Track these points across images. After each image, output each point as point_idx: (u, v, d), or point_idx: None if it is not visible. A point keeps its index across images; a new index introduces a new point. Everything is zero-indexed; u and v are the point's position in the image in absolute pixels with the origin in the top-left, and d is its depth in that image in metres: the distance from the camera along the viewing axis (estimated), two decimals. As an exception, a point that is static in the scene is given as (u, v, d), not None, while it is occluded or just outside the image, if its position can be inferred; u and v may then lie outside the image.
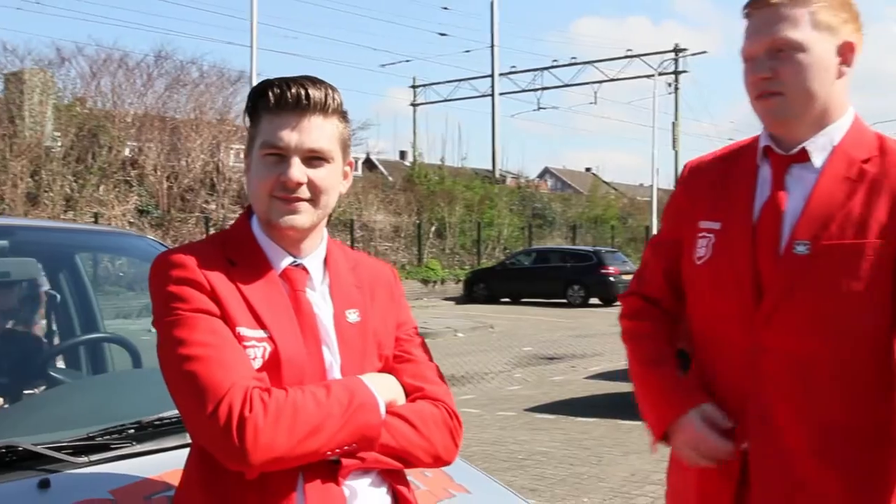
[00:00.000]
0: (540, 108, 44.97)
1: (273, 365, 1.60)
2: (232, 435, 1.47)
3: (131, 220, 23.07)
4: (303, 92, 1.62)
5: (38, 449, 1.98)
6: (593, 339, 15.67)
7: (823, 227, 1.72)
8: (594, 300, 23.85)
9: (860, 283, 1.69)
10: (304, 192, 1.64)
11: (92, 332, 3.52)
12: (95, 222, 21.16)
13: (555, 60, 43.75)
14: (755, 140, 1.90)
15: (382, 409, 1.62)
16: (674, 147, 38.30)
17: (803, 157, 1.80)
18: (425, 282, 27.26)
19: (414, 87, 47.53)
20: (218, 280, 1.62)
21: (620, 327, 2.05)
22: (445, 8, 61.37)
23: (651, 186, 33.80)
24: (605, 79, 42.60)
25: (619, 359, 10.72)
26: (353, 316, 1.73)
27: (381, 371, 1.74)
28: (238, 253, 1.69)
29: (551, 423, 8.55)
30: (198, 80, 27.07)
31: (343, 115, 1.71)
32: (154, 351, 1.69)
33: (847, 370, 1.72)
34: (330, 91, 1.66)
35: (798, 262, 1.72)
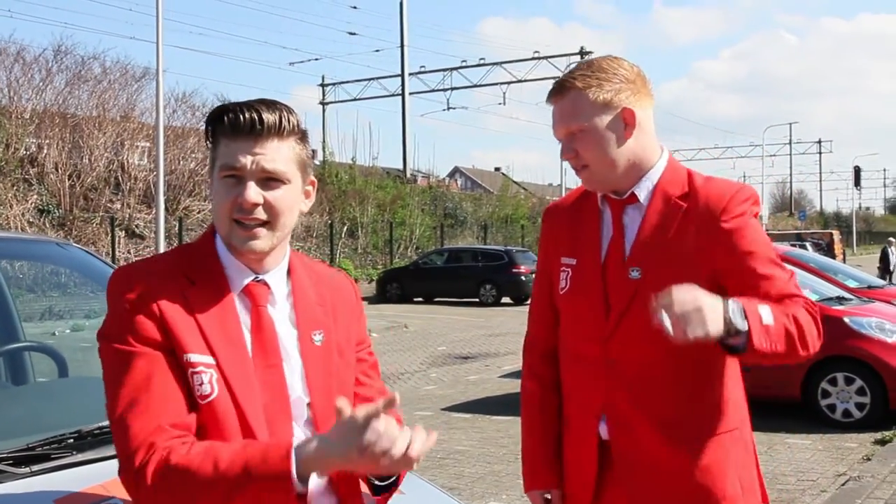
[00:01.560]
0: (449, 108, 45.21)
1: (223, 390, 1.63)
2: (131, 487, 1.62)
3: (31, 220, 22.26)
4: (256, 116, 1.66)
5: (-24, 461, 1.97)
6: (506, 338, 15.91)
7: (650, 253, 2.06)
8: (506, 299, 24.18)
9: None
10: (260, 214, 1.67)
11: (12, 340, 3.46)
12: (-7, 222, 20.35)
13: (464, 61, 44.08)
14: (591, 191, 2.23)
15: (296, 482, 1.49)
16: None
17: (633, 199, 2.12)
18: (338, 282, 27.13)
19: (323, 85, 47.19)
20: (170, 306, 1.64)
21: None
22: (355, 7, 60.86)
23: (560, 185, 34.44)
24: (514, 80, 43.19)
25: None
26: (317, 337, 1.77)
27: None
28: (198, 271, 1.71)
29: (468, 422, 8.69)
30: (100, 77, 26.29)
31: (301, 136, 1.74)
32: (79, 360, 1.73)
33: (679, 372, 2.05)
34: (285, 114, 1.69)
35: (632, 284, 2.05)
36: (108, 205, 24.27)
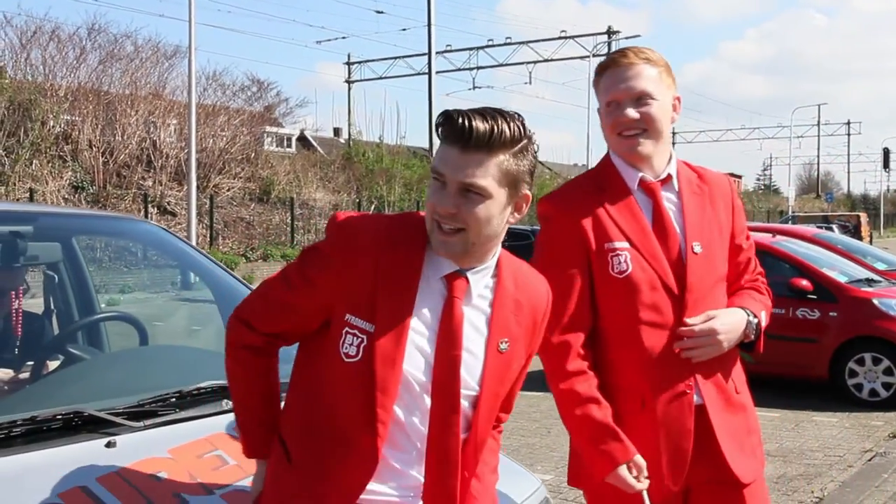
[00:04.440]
0: (475, 88, 45.28)
1: (367, 358, 1.76)
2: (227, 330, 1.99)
3: (66, 197, 22.68)
4: (468, 126, 1.67)
5: (102, 414, 2.22)
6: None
7: (703, 230, 2.31)
8: (531, 278, 24.22)
9: (725, 265, 2.37)
10: (455, 222, 1.72)
11: (90, 311, 3.72)
12: (31, 199, 20.76)
13: (490, 40, 44.10)
14: (608, 172, 2.36)
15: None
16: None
17: (668, 180, 2.34)
18: (365, 260, 27.38)
19: (349, 63, 47.26)
20: (359, 264, 1.78)
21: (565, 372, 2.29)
22: (382, -15, 60.75)
23: (585, 166, 34.47)
24: (540, 59, 43.07)
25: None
26: (504, 345, 1.86)
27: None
28: (403, 241, 1.80)
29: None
30: (132, 55, 26.64)
31: (515, 150, 1.73)
32: (157, 329, 1.97)
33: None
34: (500, 125, 1.69)
35: (699, 258, 2.30)
36: (141, 182, 24.65)
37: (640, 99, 2.25)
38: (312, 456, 1.85)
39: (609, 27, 42.00)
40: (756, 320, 2.33)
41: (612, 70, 2.30)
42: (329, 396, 1.84)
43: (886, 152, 58.33)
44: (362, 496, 1.81)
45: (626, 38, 41.57)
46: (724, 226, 2.37)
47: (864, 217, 39.64)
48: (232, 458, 2.21)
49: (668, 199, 2.33)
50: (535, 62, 43.13)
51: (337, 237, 1.83)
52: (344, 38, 63.17)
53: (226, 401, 2.44)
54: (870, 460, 6.25)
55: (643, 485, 2.20)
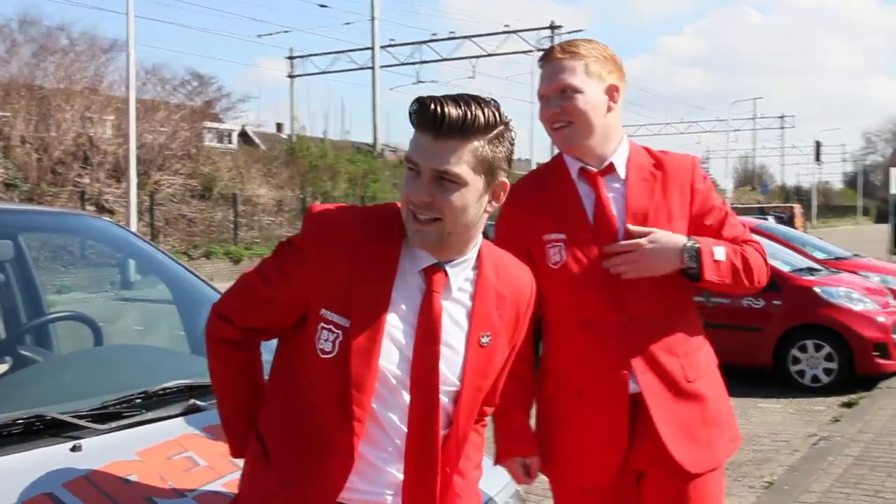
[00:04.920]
0: (419, 82, 45.19)
1: (343, 354, 1.73)
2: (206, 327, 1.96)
3: (-2, 195, 22.04)
4: (440, 112, 1.65)
5: (65, 417, 2.16)
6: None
7: (644, 219, 2.29)
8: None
9: None
10: (430, 211, 1.69)
11: (38, 312, 3.61)
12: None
13: (434, 34, 44.00)
14: (556, 164, 2.40)
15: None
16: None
17: (611, 169, 2.35)
18: (310, 256, 27.18)
19: (291, 58, 46.81)
20: (333, 257, 1.75)
21: None
22: (323, -21, 60.14)
23: (529, 160, 34.68)
24: (484, 54, 43.19)
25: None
26: (485, 339, 1.84)
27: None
28: (377, 233, 1.78)
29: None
30: (67, 48, 25.97)
31: (489, 137, 1.70)
32: (112, 328, 1.93)
33: (679, 320, 2.36)
34: (473, 111, 1.66)
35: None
36: (77, 179, 24.05)
37: (564, 92, 2.29)
38: (290, 454, 1.82)
39: (552, 22, 42.31)
40: (695, 245, 2.26)
41: (543, 66, 2.37)
42: (305, 393, 1.81)
43: (818, 145, 59.89)
44: (342, 494, 1.79)
45: (569, 32, 41.86)
46: (676, 212, 2.34)
47: (798, 208, 40.62)
48: (203, 460, 2.17)
49: (611, 189, 2.34)
50: (478, 57, 43.28)
51: (312, 230, 1.81)
52: (286, 32, 62.71)
53: (193, 400, 2.40)
54: (815, 444, 6.41)
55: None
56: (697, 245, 2.27)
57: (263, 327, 1.90)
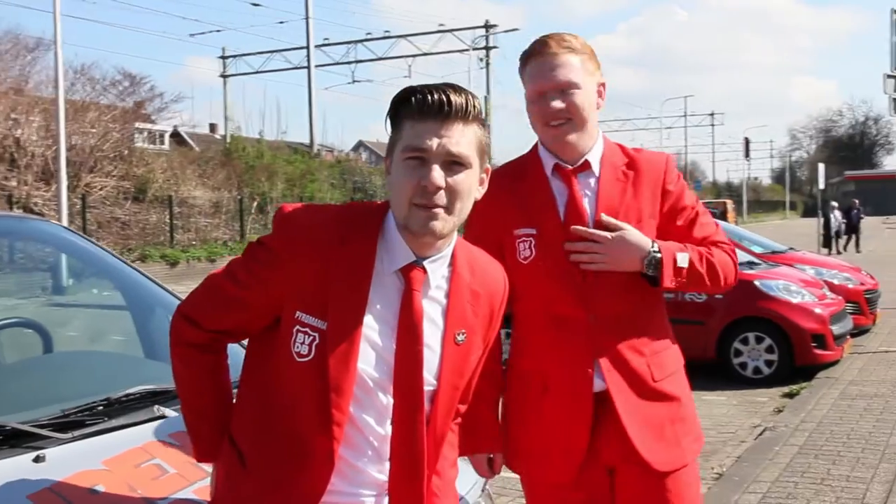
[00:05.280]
0: (354, 81, 45.07)
1: (320, 357, 1.69)
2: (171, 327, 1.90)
3: (-80, 199, 21.24)
4: (445, 98, 1.67)
5: (26, 427, 2.07)
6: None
7: (614, 216, 2.28)
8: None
9: None
10: (441, 198, 1.68)
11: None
12: None
13: (368, 33, 43.90)
14: (530, 159, 2.38)
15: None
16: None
17: (586, 166, 2.33)
18: (248, 258, 26.85)
19: (223, 57, 46.18)
20: (310, 259, 1.71)
21: None
22: (256, -23, 59.40)
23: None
24: (419, 53, 43.22)
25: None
26: (460, 337, 1.82)
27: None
28: (355, 234, 1.74)
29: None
30: (-10, 48, 25.14)
31: (482, 122, 1.74)
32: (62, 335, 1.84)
33: (646, 319, 2.36)
34: (470, 98, 1.70)
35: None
36: (3, 182, 23.32)
37: (565, 89, 2.26)
38: (268, 460, 1.77)
39: (487, 21, 42.59)
40: (657, 253, 2.26)
41: (536, 60, 2.30)
42: (282, 397, 1.77)
43: (747, 142, 61.21)
44: (324, 498, 1.75)
45: (505, 31, 42.31)
46: (646, 212, 2.34)
47: (730, 203, 41.62)
48: (171, 467, 2.11)
49: (585, 186, 2.33)
50: (414, 56, 43.30)
51: (284, 231, 1.76)
52: (219, 31, 61.57)
53: (157, 406, 2.33)
54: (760, 435, 6.55)
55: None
56: (660, 256, 2.26)
57: (232, 330, 1.85)
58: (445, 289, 1.82)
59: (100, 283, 3.72)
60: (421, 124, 1.68)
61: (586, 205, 2.31)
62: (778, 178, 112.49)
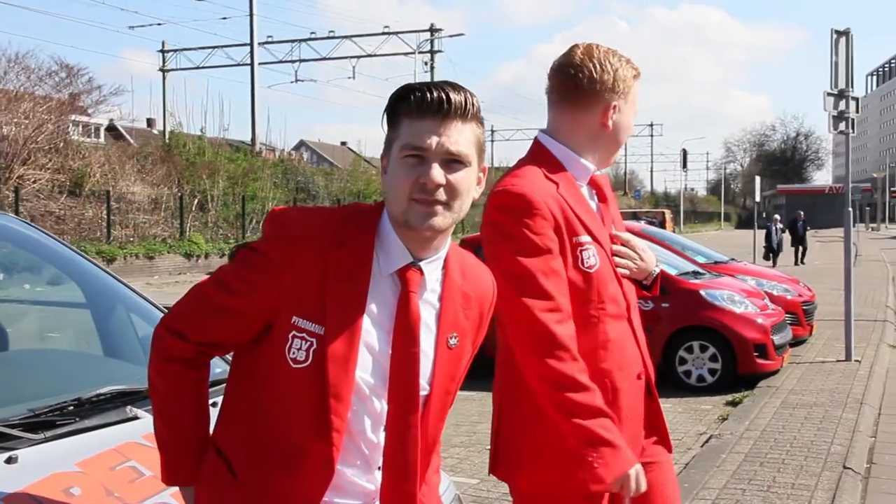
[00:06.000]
0: (298, 81, 44.71)
1: (318, 363, 1.66)
2: (153, 339, 1.82)
3: None
4: (444, 96, 1.65)
5: (-2, 427, 1.98)
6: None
7: (618, 222, 2.41)
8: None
9: None
10: (441, 195, 1.66)
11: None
12: None
13: (312, 33, 43.63)
14: (557, 168, 2.30)
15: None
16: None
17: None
18: (188, 256, 26.39)
19: (163, 51, 45.35)
20: (306, 264, 1.67)
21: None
22: (199, -29, 58.53)
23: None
24: (364, 54, 43.09)
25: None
26: (453, 341, 1.80)
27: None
28: (353, 235, 1.72)
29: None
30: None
31: (480, 120, 1.73)
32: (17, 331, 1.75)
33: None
34: (469, 96, 1.69)
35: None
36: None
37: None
38: (261, 470, 1.73)
39: (432, 25, 42.75)
40: (658, 270, 2.47)
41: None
42: (276, 406, 1.71)
43: (685, 153, 62.40)
44: None
45: (450, 36, 42.44)
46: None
47: (668, 213, 42.34)
48: (147, 469, 2.05)
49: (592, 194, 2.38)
50: (358, 57, 43.15)
51: (278, 235, 1.71)
52: (160, 24, 60.48)
53: (129, 407, 2.26)
54: (706, 442, 6.65)
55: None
56: (659, 269, 2.46)
57: (221, 341, 1.78)
58: (439, 292, 1.79)
59: (32, 278, 3.59)
60: (420, 122, 1.66)
61: (602, 214, 2.38)
62: (713, 189, 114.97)
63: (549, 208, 2.19)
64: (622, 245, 2.36)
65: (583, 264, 2.25)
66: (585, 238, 2.26)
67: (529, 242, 2.15)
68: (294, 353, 1.67)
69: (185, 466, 1.81)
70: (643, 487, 2.16)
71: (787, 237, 28.69)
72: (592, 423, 2.11)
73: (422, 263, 1.74)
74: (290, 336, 1.67)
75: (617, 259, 2.34)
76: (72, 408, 2.19)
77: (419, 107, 1.65)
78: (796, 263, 27.03)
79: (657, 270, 2.45)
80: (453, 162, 1.67)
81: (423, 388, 1.77)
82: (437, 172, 1.65)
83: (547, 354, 2.11)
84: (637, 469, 2.14)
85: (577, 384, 2.11)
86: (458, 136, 1.67)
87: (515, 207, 2.17)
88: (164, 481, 1.83)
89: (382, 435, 1.75)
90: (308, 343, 1.67)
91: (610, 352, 2.29)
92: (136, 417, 2.23)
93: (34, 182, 24.35)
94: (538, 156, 2.33)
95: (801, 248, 28.41)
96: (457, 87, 1.68)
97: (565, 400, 2.11)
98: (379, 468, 1.77)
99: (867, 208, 71.79)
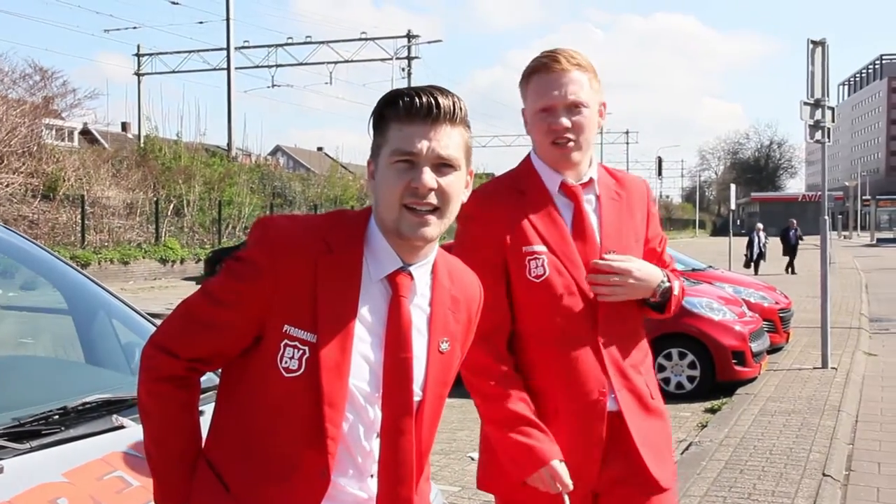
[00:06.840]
0: (274, 86, 44.60)
1: (311, 371, 1.64)
2: (143, 355, 1.77)
3: None
4: (433, 101, 1.65)
5: (-19, 437, 1.94)
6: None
7: (619, 237, 2.32)
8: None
9: None
10: (432, 199, 1.66)
11: None
12: None
13: (290, 38, 43.54)
14: (529, 174, 2.33)
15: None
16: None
17: (589, 184, 2.33)
18: (164, 261, 26.18)
19: (139, 55, 45.02)
20: (295, 271, 1.65)
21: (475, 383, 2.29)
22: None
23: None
24: (340, 60, 43.02)
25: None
26: (444, 345, 1.79)
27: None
28: (341, 242, 1.70)
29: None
30: None
31: (467, 124, 1.73)
32: None
33: (640, 343, 2.38)
34: (457, 100, 1.69)
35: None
36: None
37: (573, 108, 2.23)
38: (254, 482, 1.69)
39: (409, 31, 42.78)
40: (668, 284, 2.32)
41: (545, 75, 2.25)
42: (268, 416, 1.69)
43: (660, 161, 62.90)
44: None
45: (428, 42, 42.47)
46: (640, 232, 2.38)
47: (644, 221, 42.46)
48: (134, 479, 2.03)
49: (588, 203, 2.32)
50: (335, 62, 43.08)
51: (266, 243, 1.68)
52: (135, 28, 59.87)
53: (115, 416, 2.22)
54: (686, 449, 6.67)
55: (561, 489, 2.19)
56: (668, 285, 2.32)
57: (212, 356, 1.74)
58: (428, 297, 1.78)
59: (8, 283, 3.54)
60: (409, 127, 1.65)
61: (593, 223, 2.31)
62: (688, 196, 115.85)
63: (490, 216, 2.25)
64: (593, 272, 2.25)
65: (529, 273, 2.24)
66: (539, 248, 2.25)
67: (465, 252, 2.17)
68: (286, 361, 1.65)
69: (177, 487, 1.76)
70: (551, 488, 2.18)
71: (773, 245, 28.34)
72: (506, 426, 2.21)
73: (411, 268, 1.72)
74: (281, 345, 1.65)
75: (590, 277, 2.25)
76: (57, 417, 2.15)
77: (408, 111, 1.65)
78: (787, 272, 26.34)
79: (663, 287, 2.31)
80: (444, 166, 1.67)
81: (417, 393, 1.75)
82: (429, 177, 1.64)
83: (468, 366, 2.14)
84: (553, 465, 2.17)
85: (492, 392, 2.24)
86: (448, 141, 1.67)
87: (460, 215, 2.18)
88: (155, 500, 1.79)
89: (375, 442, 1.73)
90: (300, 351, 1.64)
91: (558, 367, 2.26)
92: (122, 427, 2.19)
93: (7, 186, 24.07)
94: (519, 166, 2.38)
95: (791, 257, 27.18)
96: (445, 92, 1.69)
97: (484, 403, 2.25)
98: (371, 476, 1.75)
99: (839, 216, 72.63)
